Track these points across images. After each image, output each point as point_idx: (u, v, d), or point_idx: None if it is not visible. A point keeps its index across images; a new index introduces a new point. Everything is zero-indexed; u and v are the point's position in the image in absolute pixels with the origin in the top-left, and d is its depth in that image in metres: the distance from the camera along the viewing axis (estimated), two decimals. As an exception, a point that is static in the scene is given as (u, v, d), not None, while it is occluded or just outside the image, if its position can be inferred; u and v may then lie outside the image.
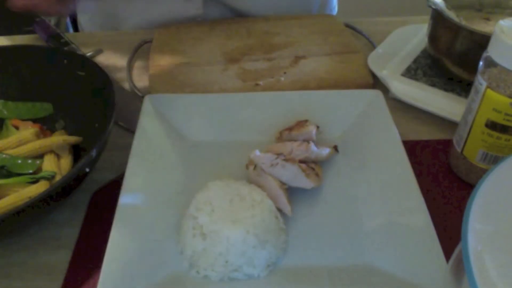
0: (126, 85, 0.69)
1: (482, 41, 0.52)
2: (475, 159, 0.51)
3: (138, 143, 0.52)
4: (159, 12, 0.82)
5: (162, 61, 0.69)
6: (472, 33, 0.58)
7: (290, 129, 0.54)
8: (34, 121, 0.60)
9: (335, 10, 0.97)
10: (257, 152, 0.49)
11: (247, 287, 0.42)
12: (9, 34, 0.82)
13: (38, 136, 0.54)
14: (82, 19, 0.94)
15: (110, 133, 0.51)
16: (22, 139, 0.53)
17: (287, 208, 0.47)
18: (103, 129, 0.48)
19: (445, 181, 0.54)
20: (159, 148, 0.53)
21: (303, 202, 0.50)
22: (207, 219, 0.43)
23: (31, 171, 0.51)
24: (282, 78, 0.65)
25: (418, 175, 0.48)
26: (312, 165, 0.51)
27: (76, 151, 0.56)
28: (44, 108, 0.61)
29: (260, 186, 0.49)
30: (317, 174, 0.50)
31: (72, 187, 0.47)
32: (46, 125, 0.60)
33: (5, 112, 0.59)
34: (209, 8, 0.82)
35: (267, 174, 0.49)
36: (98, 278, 0.40)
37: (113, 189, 0.49)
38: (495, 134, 0.47)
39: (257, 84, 0.64)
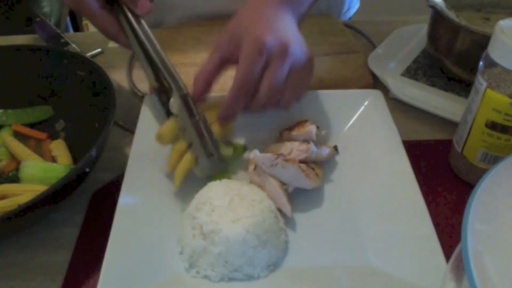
0: (126, 85, 0.69)
1: (482, 41, 0.52)
2: (475, 159, 0.51)
3: (138, 143, 0.52)
4: (208, 5, 0.79)
5: (162, 61, 0.69)
6: (472, 33, 0.58)
7: (290, 129, 0.54)
8: (34, 125, 0.60)
9: (355, 8, 0.97)
10: (257, 152, 0.49)
11: (247, 287, 0.42)
12: (9, 34, 0.82)
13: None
14: None
15: (110, 133, 0.51)
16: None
17: (287, 208, 0.47)
18: (103, 129, 0.48)
19: (445, 181, 0.54)
20: (159, 148, 0.53)
21: (303, 202, 0.49)
22: (207, 219, 0.43)
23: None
24: (282, 78, 0.65)
25: (418, 175, 0.48)
26: (312, 165, 0.50)
27: (76, 151, 0.56)
28: (44, 111, 0.61)
29: (260, 186, 0.49)
30: (317, 174, 0.50)
31: (72, 187, 0.47)
32: (46, 127, 0.60)
33: (5, 118, 0.59)
34: None
35: (267, 174, 0.49)
36: (98, 278, 0.40)
37: (113, 189, 0.49)
38: (495, 134, 0.47)
39: (257, 84, 0.64)
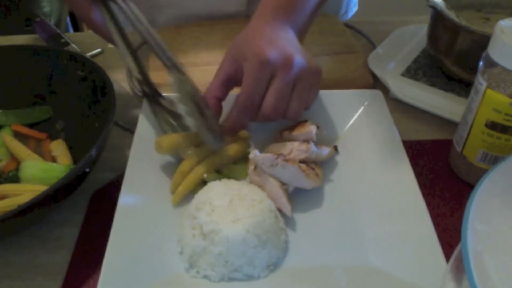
0: (126, 85, 0.69)
1: (482, 41, 0.52)
2: (475, 159, 0.51)
3: (138, 143, 0.52)
4: (200, 5, 0.79)
5: (162, 61, 0.69)
6: (472, 33, 0.58)
7: (290, 129, 0.54)
8: (34, 124, 0.60)
9: (354, 9, 0.97)
10: (257, 152, 0.49)
11: (247, 287, 0.42)
12: (9, 34, 0.82)
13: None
14: None
15: (110, 133, 0.51)
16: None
17: (287, 208, 0.47)
18: (103, 129, 0.48)
19: (445, 181, 0.54)
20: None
21: (303, 202, 0.49)
22: (207, 219, 0.43)
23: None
24: (282, 78, 0.65)
25: (418, 175, 0.48)
26: (312, 165, 0.50)
27: (76, 151, 0.56)
28: (44, 111, 0.61)
29: (260, 186, 0.49)
30: (317, 174, 0.50)
31: (72, 187, 0.47)
32: (46, 127, 0.60)
33: (5, 118, 0.59)
34: (252, 5, 0.79)
35: (267, 174, 0.49)
36: (98, 278, 0.40)
37: (113, 189, 0.49)
38: (495, 134, 0.47)
39: (257, 84, 0.64)
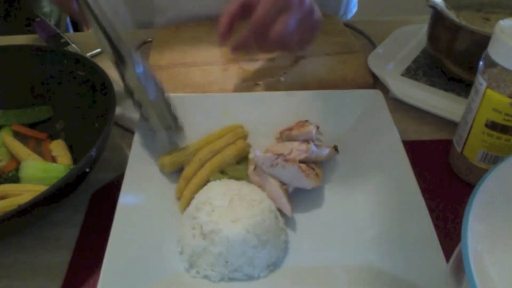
0: (126, 85, 0.69)
1: (482, 41, 0.52)
2: (475, 159, 0.51)
3: (138, 143, 0.52)
4: (198, 8, 0.80)
5: (162, 61, 0.69)
6: (472, 33, 0.58)
7: (290, 129, 0.54)
8: (34, 124, 0.60)
9: (354, 10, 0.97)
10: (257, 153, 0.49)
11: (247, 287, 0.42)
12: (9, 34, 0.82)
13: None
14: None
15: (110, 133, 0.51)
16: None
17: (287, 208, 0.47)
18: (103, 129, 0.48)
19: (445, 181, 0.54)
20: (159, 148, 0.53)
21: (303, 202, 0.50)
22: (207, 219, 0.43)
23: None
24: (282, 78, 0.65)
25: (418, 175, 0.48)
26: (312, 165, 0.51)
27: (76, 151, 0.56)
28: (44, 111, 0.61)
29: (260, 186, 0.49)
30: (317, 174, 0.50)
31: (72, 187, 0.47)
32: (46, 127, 0.60)
33: (5, 119, 0.59)
34: None
35: (267, 174, 0.49)
36: (98, 278, 0.40)
37: (113, 189, 0.49)
38: (495, 134, 0.47)
39: (257, 84, 0.64)
